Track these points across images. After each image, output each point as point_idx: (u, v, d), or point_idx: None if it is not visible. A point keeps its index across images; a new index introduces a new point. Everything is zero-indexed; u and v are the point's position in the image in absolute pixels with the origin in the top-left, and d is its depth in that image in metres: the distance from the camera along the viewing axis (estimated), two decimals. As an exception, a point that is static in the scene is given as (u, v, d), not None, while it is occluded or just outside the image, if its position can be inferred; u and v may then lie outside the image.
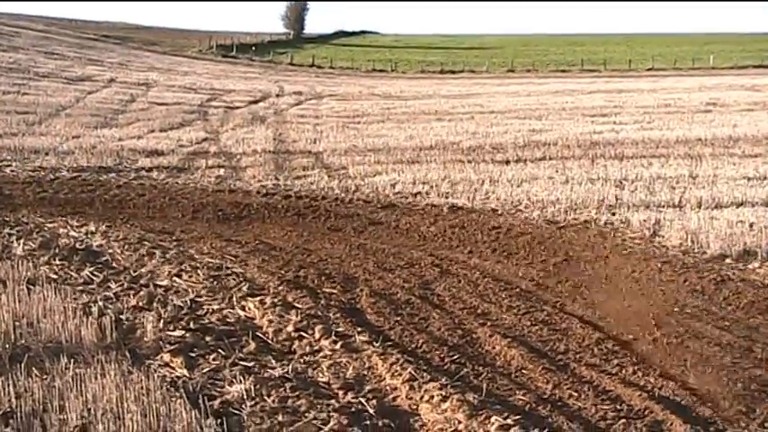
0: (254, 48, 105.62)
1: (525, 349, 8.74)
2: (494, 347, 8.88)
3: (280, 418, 6.87)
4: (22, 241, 12.98)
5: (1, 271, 11.05)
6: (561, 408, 7.38)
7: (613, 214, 15.92)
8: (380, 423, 6.95)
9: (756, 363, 8.44)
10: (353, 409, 7.17)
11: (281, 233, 15.01)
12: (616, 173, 20.72)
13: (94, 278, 11.11)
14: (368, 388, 7.71)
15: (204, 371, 7.96)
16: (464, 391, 7.47)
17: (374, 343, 8.72)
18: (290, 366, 8.14)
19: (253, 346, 8.66)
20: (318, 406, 7.16)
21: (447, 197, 18.15)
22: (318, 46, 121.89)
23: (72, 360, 7.72)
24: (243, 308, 9.92)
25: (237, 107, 43.17)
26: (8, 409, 6.78)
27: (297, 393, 7.42)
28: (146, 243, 13.30)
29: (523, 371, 8.25)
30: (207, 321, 9.45)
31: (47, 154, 23.54)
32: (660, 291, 11.52)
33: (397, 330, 9.39)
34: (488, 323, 9.71)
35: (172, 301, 10.11)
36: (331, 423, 6.77)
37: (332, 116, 38.68)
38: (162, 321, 9.23)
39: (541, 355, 8.67)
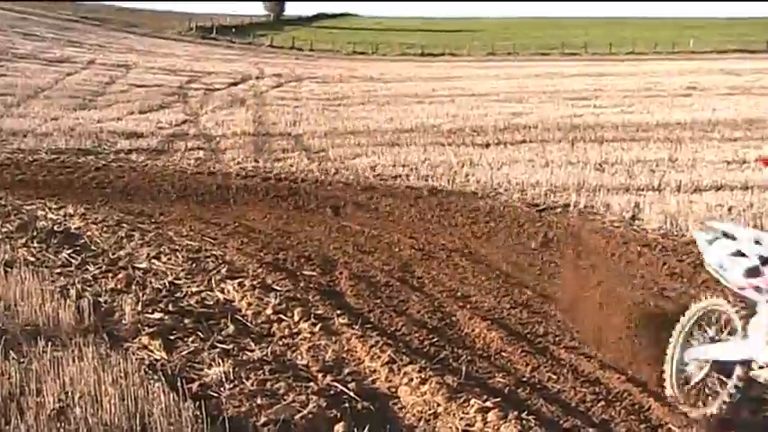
0: (234, 30, 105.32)
1: (504, 332, 8.74)
2: (473, 330, 8.88)
3: (258, 400, 6.84)
4: (-1, 223, 12.91)
5: (-22, 253, 10.98)
6: (540, 390, 7.38)
7: (593, 197, 15.93)
8: (360, 406, 6.93)
9: (734, 345, 8.45)
10: (332, 392, 7.14)
11: (260, 215, 14.99)
12: (596, 156, 20.76)
13: (72, 261, 11.04)
14: (347, 371, 7.69)
15: (183, 353, 7.92)
16: (443, 373, 7.46)
17: (353, 325, 8.70)
18: (269, 349, 8.12)
19: (232, 328, 8.62)
20: (297, 389, 7.13)
21: (427, 180, 18.16)
22: (299, 28, 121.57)
23: (49, 343, 7.66)
24: (222, 290, 9.88)
25: (217, 89, 43.04)
26: (-15, 392, 6.74)
27: (276, 376, 7.39)
28: (124, 225, 13.24)
29: (503, 353, 8.25)
30: (186, 304, 9.40)
31: (25, 136, 23.41)
32: (639, 274, 11.55)
33: (377, 313, 9.38)
34: (468, 306, 9.71)
35: (150, 283, 10.06)
36: (310, 406, 6.74)
37: (312, 98, 38.64)
38: (140, 304, 9.18)
39: (521, 337, 8.68)
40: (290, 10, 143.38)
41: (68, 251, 11.43)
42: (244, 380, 7.28)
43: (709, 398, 6.73)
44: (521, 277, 11.16)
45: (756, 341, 6.36)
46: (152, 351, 7.96)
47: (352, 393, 7.13)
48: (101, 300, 9.37)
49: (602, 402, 7.10)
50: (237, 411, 6.69)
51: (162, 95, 37.52)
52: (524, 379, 7.65)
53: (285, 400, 6.91)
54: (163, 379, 7.01)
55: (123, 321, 8.74)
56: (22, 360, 7.36)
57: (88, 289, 9.73)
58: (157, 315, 8.89)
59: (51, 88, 38.11)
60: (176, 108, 33.21)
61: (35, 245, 11.74)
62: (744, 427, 6.69)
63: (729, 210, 14.49)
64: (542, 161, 20.18)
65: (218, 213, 15.16)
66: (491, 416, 6.58)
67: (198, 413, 6.38)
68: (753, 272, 6.39)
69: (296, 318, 8.92)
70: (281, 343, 8.36)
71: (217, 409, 6.68)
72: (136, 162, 20.42)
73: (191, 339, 8.27)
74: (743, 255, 6.56)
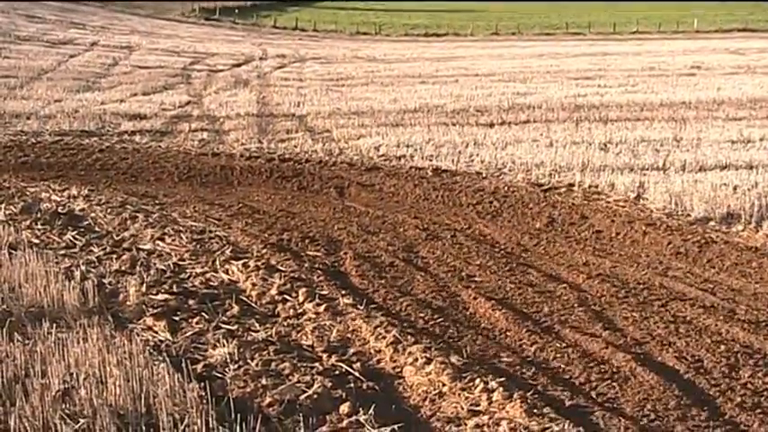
0: (237, 10, 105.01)
1: (509, 312, 8.73)
2: (478, 310, 8.87)
3: (263, 381, 6.84)
4: (3, 206, 12.89)
5: (-18, 236, 10.98)
6: (545, 370, 7.38)
7: (598, 177, 15.89)
8: (365, 386, 6.93)
9: (739, 325, 8.45)
10: (337, 372, 7.15)
11: (264, 196, 14.98)
12: (600, 136, 20.71)
13: (77, 242, 11.04)
14: (352, 351, 7.69)
15: (187, 334, 7.93)
16: (448, 353, 7.46)
17: (358, 306, 8.70)
18: (274, 329, 8.12)
19: (236, 309, 8.63)
20: (302, 369, 7.13)
21: (431, 160, 18.12)
22: (302, 9, 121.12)
23: (54, 324, 7.67)
24: (226, 271, 9.88)
25: (221, 70, 42.95)
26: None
27: (280, 357, 7.39)
28: (128, 207, 13.25)
29: (507, 333, 8.25)
30: (190, 285, 9.41)
31: (28, 118, 23.40)
32: (644, 253, 11.53)
33: (381, 293, 9.38)
34: (472, 285, 9.71)
35: (155, 264, 10.06)
36: (315, 386, 6.74)
37: (315, 79, 38.54)
38: (145, 285, 9.18)
39: (526, 317, 8.67)
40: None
41: (72, 233, 11.44)
42: (249, 360, 7.28)
43: None
44: (525, 257, 11.16)
45: None
46: (156, 332, 7.97)
47: (356, 373, 7.13)
48: (105, 281, 9.38)
49: (608, 381, 7.10)
50: (242, 392, 6.69)
51: (165, 77, 37.46)
52: (529, 358, 7.65)
53: (290, 380, 6.91)
54: (167, 360, 7.02)
55: (128, 303, 8.75)
56: (26, 342, 7.37)
57: (92, 270, 9.74)
58: (162, 296, 8.90)
59: (54, 70, 38.07)
60: (180, 89, 33.16)
61: (39, 227, 11.75)
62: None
63: (734, 189, 14.45)
64: (546, 141, 20.13)
65: (222, 194, 15.15)
66: (496, 395, 6.58)
67: (203, 394, 6.39)
68: None
69: (300, 298, 8.92)
70: (285, 323, 8.37)
71: (222, 390, 6.69)
72: (139, 144, 20.40)
73: (195, 320, 8.28)
74: None
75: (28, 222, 11.94)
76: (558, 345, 7.90)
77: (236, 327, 8.16)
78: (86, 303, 8.47)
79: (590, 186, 15.37)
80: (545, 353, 7.74)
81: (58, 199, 13.70)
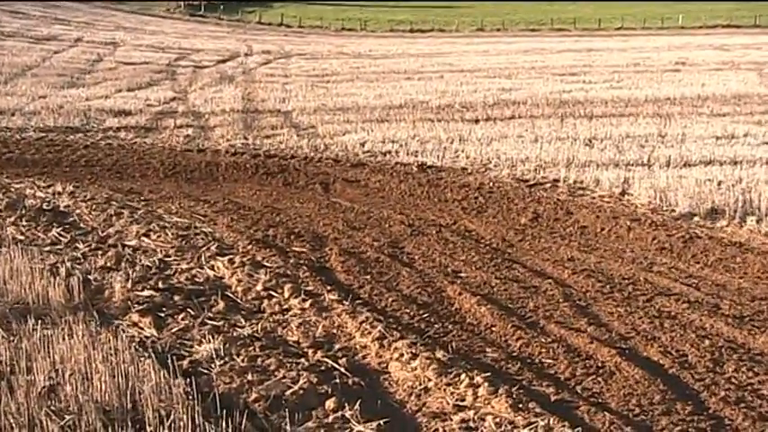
0: (222, 6, 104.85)
1: (495, 307, 8.75)
2: (463, 305, 8.88)
3: (249, 377, 6.84)
4: (-13, 202, 12.86)
5: (-33, 232, 10.94)
6: (530, 365, 7.40)
7: (583, 173, 15.92)
8: (350, 381, 6.94)
9: (724, 320, 8.49)
10: (323, 368, 7.15)
11: (249, 192, 14.98)
12: (585, 132, 20.76)
13: (62, 239, 11.02)
14: (337, 346, 7.70)
15: (173, 330, 7.92)
16: (433, 348, 7.47)
17: (344, 301, 8.70)
18: (260, 325, 8.12)
19: (222, 305, 8.62)
20: (288, 365, 7.13)
21: (416, 156, 18.13)
22: (287, 5, 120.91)
23: (39, 321, 7.65)
24: (212, 267, 9.88)
25: (206, 66, 42.90)
26: (-25, 371, 6.72)
27: (266, 352, 7.39)
28: (113, 203, 13.22)
29: (493, 328, 8.26)
30: (176, 281, 9.39)
31: (13, 114, 23.34)
32: (629, 249, 11.57)
33: (367, 289, 9.39)
34: (458, 281, 9.72)
35: (140, 260, 10.04)
36: (301, 382, 6.75)
37: (301, 75, 38.52)
38: (130, 281, 9.16)
39: (511, 312, 8.69)
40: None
41: (58, 229, 11.41)
42: (234, 356, 7.28)
43: None
44: (511, 252, 11.18)
45: None
46: (142, 328, 7.96)
47: (342, 369, 7.13)
48: (90, 278, 9.36)
49: (593, 376, 7.12)
50: (228, 388, 6.69)
51: (150, 73, 37.41)
52: (514, 354, 7.67)
53: (276, 376, 6.91)
54: (153, 356, 7.00)
55: (113, 299, 8.73)
56: (11, 338, 7.35)
57: (78, 267, 9.72)
58: (147, 292, 8.88)
59: (39, 66, 37.97)
60: (165, 85, 33.12)
61: (24, 223, 11.71)
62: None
63: (719, 185, 14.50)
64: (531, 137, 20.18)
65: (207, 190, 15.14)
66: (481, 390, 6.59)
67: (189, 390, 6.38)
68: None
69: (286, 294, 8.92)
70: (271, 319, 8.36)
71: (207, 386, 6.68)
72: (124, 140, 20.38)
73: (181, 316, 8.27)
74: None
75: (12, 219, 11.90)
76: (543, 340, 7.92)
77: (221, 323, 8.16)
78: (72, 300, 8.46)
79: (575, 182, 15.40)
80: (530, 348, 7.76)
81: (43, 195, 13.67)
